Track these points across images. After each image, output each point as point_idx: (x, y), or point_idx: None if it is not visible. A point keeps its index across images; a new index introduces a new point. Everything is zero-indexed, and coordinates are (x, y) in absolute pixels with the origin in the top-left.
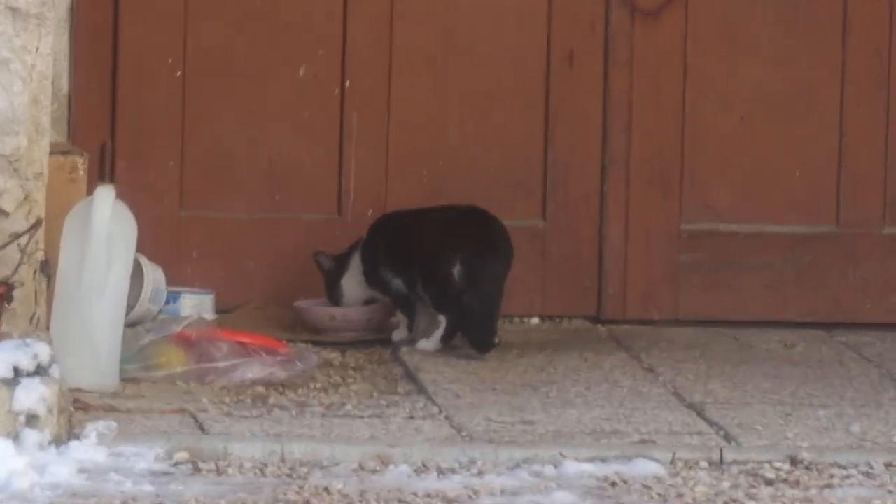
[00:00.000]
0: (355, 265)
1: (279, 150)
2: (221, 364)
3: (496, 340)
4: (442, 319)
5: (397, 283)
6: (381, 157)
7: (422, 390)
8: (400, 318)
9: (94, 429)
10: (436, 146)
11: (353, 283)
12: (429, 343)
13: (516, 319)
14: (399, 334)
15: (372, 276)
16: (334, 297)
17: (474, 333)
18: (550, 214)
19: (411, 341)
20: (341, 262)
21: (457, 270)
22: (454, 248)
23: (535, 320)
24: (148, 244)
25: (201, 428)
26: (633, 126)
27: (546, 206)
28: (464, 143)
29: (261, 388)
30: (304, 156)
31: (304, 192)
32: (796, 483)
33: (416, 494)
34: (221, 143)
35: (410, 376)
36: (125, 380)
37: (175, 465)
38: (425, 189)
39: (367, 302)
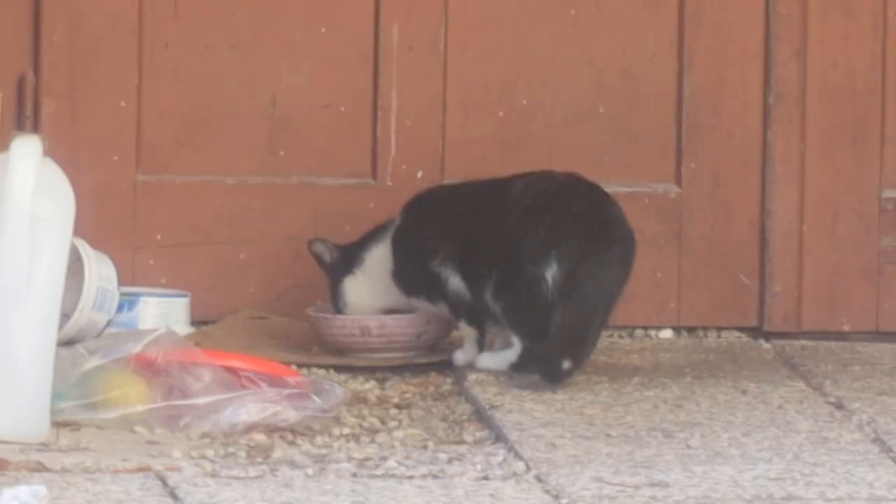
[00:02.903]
0: (375, 259)
1: (286, 84)
2: (202, 400)
3: (565, 366)
4: (516, 342)
5: (456, 284)
6: (436, 90)
7: (500, 437)
8: (464, 332)
9: (13, 497)
10: (517, 74)
11: (363, 285)
12: (491, 360)
13: (639, 332)
14: (464, 355)
15: (414, 275)
16: (336, 299)
17: (548, 353)
18: (689, 178)
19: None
20: (349, 255)
21: (551, 273)
22: (548, 238)
23: (668, 333)
24: (91, 224)
25: (173, 496)
26: (811, 46)
27: (682, 166)
28: (559, 68)
29: (261, 436)
30: (321, 91)
31: (323, 145)
32: None
33: None
34: (200, 74)
35: (483, 417)
36: (59, 424)
37: None
38: (501, 138)
39: (389, 312)
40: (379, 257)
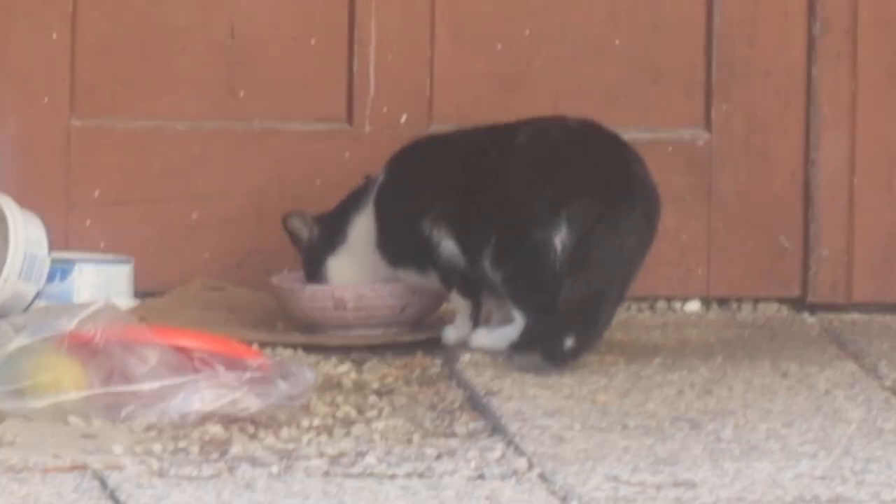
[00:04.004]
0: (359, 231)
1: (246, 12)
2: (147, 386)
3: (568, 344)
4: (518, 317)
5: (449, 249)
6: (423, 19)
7: (498, 429)
8: (456, 304)
9: None
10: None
11: (348, 264)
12: (488, 337)
13: (662, 304)
14: (456, 332)
15: (401, 240)
16: (317, 281)
17: (550, 329)
18: (720, 122)
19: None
20: (330, 230)
21: (560, 237)
22: (558, 197)
23: (695, 305)
24: (17, 179)
25: (114, 498)
26: None
27: (712, 108)
28: None
29: (217, 428)
30: (287, 20)
31: (290, 83)
32: None
33: None
34: None
35: (478, 405)
36: None
37: None
38: (500, 76)
39: None
40: (363, 229)
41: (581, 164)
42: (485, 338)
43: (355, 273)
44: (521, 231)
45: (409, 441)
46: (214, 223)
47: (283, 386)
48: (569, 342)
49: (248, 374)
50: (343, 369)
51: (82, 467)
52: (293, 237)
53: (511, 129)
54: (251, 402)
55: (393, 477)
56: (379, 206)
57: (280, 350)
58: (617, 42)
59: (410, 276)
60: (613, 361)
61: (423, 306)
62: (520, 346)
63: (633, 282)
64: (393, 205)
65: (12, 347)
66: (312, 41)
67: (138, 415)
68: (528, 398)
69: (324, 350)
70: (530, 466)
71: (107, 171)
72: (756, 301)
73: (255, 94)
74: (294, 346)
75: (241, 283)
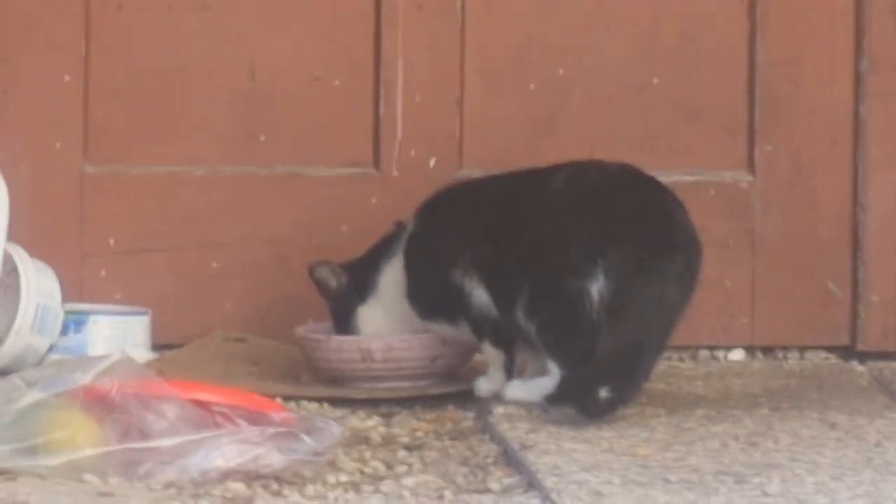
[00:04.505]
0: (390, 281)
1: (267, 52)
2: (166, 442)
3: (602, 395)
4: (554, 369)
5: (481, 298)
6: (452, 59)
7: (534, 484)
8: (488, 356)
9: None
10: (551, 39)
11: (379, 315)
12: (522, 389)
13: (704, 353)
14: (489, 384)
15: (432, 292)
16: (347, 331)
17: (585, 380)
18: (763, 163)
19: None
20: (360, 279)
21: (597, 286)
22: (595, 244)
23: (739, 354)
24: (29, 227)
25: None
26: None
27: (755, 149)
28: (602, 30)
29: (239, 486)
30: (311, 61)
31: (313, 127)
32: None
33: None
34: (162, 40)
35: (512, 459)
36: None
37: None
38: (532, 117)
39: None
40: (393, 278)
41: (619, 209)
42: (519, 390)
43: (387, 323)
44: (556, 279)
45: (441, 498)
46: (235, 272)
47: (308, 441)
48: (603, 393)
49: (271, 429)
50: (371, 423)
51: None
52: (321, 287)
53: (546, 173)
54: (275, 459)
55: None
56: (409, 256)
57: (305, 404)
58: (655, 81)
59: (442, 328)
60: (654, 413)
61: (454, 358)
62: (555, 399)
63: (674, 332)
64: (423, 255)
65: (25, 403)
66: (336, 82)
67: (157, 472)
68: (564, 452)
69: (351, 403)
70: None
71: (122, 218)
72: (803, 349)
73: (277, 138)
74: (320, 400)
75: (264, 334)
